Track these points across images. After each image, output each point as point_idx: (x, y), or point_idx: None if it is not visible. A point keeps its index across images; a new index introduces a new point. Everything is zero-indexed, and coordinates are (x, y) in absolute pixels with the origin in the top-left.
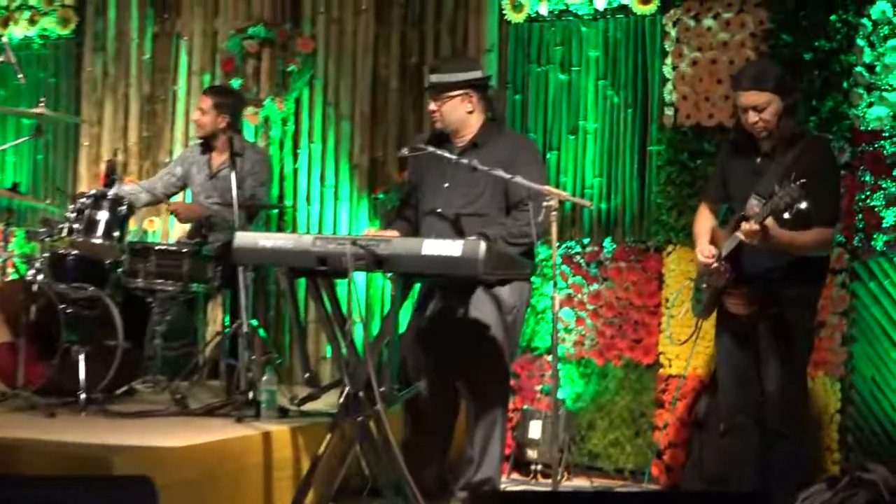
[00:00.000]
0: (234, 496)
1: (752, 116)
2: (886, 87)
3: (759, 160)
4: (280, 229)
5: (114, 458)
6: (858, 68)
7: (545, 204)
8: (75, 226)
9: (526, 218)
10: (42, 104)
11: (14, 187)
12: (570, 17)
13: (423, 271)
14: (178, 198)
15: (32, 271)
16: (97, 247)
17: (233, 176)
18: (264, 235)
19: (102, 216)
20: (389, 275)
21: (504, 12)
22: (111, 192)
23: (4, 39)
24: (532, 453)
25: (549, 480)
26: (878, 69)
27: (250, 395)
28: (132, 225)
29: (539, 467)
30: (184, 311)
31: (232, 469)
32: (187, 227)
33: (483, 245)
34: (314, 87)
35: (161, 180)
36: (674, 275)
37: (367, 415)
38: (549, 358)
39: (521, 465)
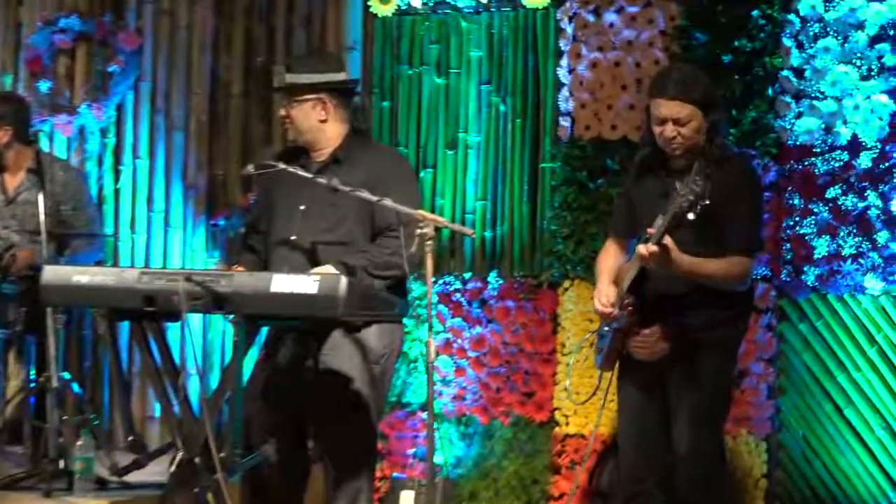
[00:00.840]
0: None
1: (670, 130)
2: (817, 94)
3: (668, 179)
4: (99, 263)
5: None
6: (785, 72)
7: (418, 231)
8: None
9: (394, 245)
10: None
11: None
12: (448, 10)
13: (273, 312)
14: None
15: None
16: None
17: (40, 198)
18: (79, 270)
19: None
20: (231, 317)
21: (369, 4)
22: None
23: None
24: None
25: None
26: (807, 74)
27: (61, 463)
28: None
29: None
30: None
31: None
32: None
33: (344, 280)
34: (140, 91)
35: None
36: (571, 315)
37: (205, 485)
38: (424, 415)
39: None
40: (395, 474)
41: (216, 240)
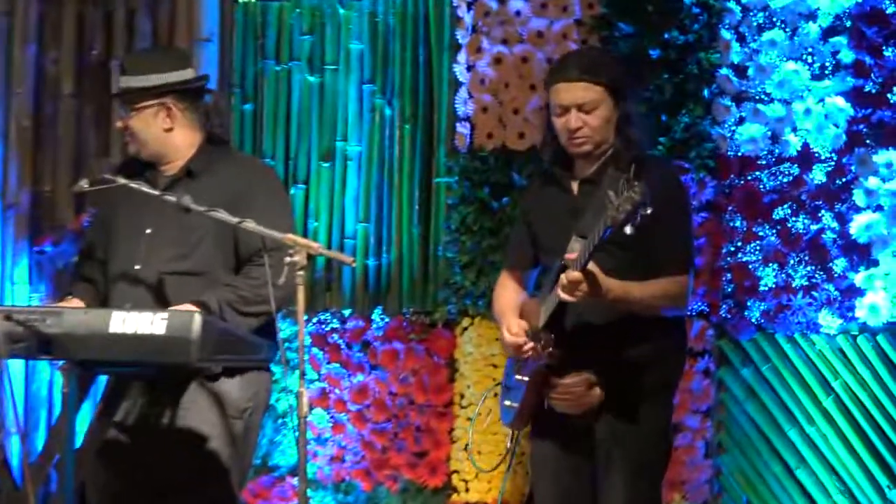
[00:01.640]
0: None
1: (574, 120)
2: (762, 96)
3: (576, 192)
4: None
5: None
6: (724, 70)
7: (288, 259)
8: None
9: (262, 276)
10: None
11: None
12: None
13: (112, 357)
14: None
15: None
16: None
17: None
18: None
19: None
20: (61, 363)
21: None
22: None
23: None
24: None
25: None
26: (750, 72)
27: None
28: None
29: None
30: None
31: None
32: None
33: (199, 318)
34: None
35: None
36: (471, 360)
37: None
38: (295, 481)
39: None
40: None
41: (42, 270)
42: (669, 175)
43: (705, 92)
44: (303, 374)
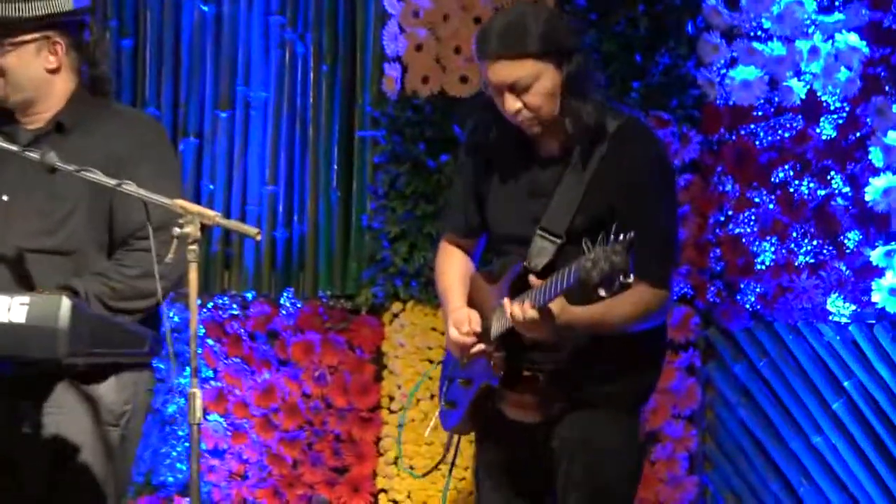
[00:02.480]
0: None
1: (511, 102)
2: (758, 32)
3: (538, 169)
4: None
5: None
6: (712, 0)
7: (178, 231)
8: None
9: (141, 264)
10: None
11: None
12: None
13: None
14: None
15: None
16: None
17: None
18: None
19: None
20: None
21: None
22: None
23: None
24: None
25: None
26: (743, 2)
27: None
28: None
29: None
30: None
31: None
32: None
33: (68, 304)
34: None
35: None
36: (403, 354)
37: None
38: (186, 502)
39: None
40: None
41: None
42: (650, 154)
43: (689, 26)
44: (195, 372)
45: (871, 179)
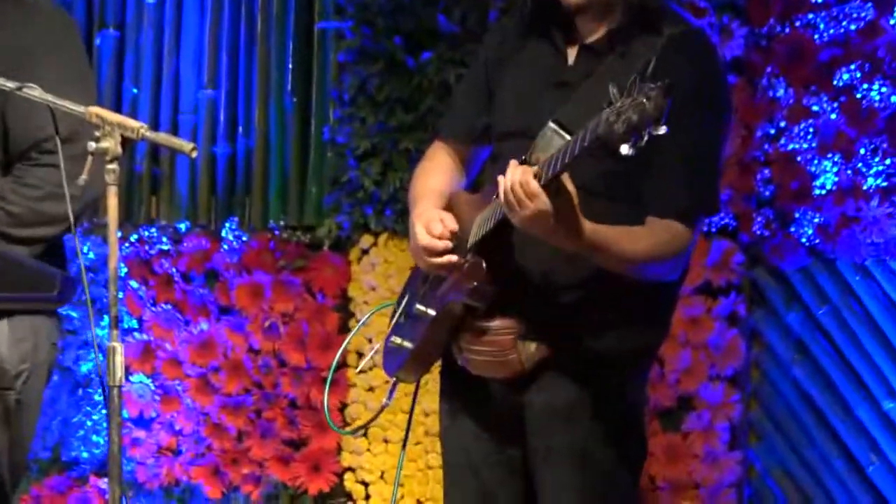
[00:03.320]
0: None
1: None
2: None
3: (571, 61)
4: None
5: None
6: None
7: (93, 146)
8: None
9: (45, 182)
10: None
11: None
12: None
13: None
14: None
15: None
16: None
17: None
18: None
19: None
20: None
21: None
22: None
23: None
24: None
25: None
26: None
27: None
28: None
29: None
30: None
31: None
32: None
33: None
34: None
35: None
36: (376, 299)
37: None
38: (104, 483)
39: None
40: None
41: None
42: (708, 69)
43: None
44: (115, 322)
45: None
